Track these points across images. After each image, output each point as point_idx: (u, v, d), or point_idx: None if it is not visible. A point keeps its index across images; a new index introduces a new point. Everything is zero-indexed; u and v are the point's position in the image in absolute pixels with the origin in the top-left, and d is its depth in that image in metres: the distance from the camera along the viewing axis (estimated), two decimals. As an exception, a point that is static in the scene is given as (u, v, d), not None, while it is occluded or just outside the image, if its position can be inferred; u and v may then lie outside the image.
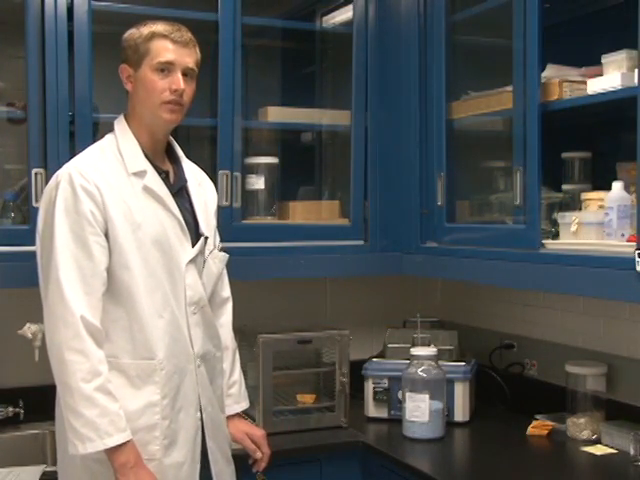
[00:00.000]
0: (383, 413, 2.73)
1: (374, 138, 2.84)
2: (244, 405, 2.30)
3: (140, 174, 1.98)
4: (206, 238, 2.09)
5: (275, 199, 2.82)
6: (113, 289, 1.91)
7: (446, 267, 2.65)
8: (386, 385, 2.71)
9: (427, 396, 2.51)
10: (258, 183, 2.76)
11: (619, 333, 2.53)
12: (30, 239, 2.38)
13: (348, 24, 2.88)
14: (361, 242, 2.84)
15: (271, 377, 2.56)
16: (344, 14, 2.95)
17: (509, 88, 2.39)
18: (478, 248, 2.49)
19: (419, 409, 2.51)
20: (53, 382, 2.69)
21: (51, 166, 2.38)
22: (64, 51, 2.39)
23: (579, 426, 2.49)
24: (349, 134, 2.84)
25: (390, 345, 2.81)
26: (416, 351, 2.58)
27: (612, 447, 2.38)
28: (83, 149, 2.40)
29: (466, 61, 2.75)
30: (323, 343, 2.69)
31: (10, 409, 2.60)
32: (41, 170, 2.39)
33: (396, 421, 2.63)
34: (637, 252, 1.89)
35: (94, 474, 1.90)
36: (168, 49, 1.98)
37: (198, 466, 2.03)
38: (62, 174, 1.93)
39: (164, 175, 2.04)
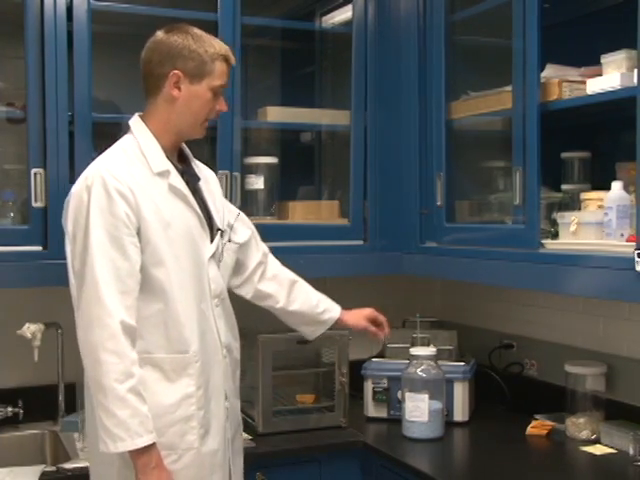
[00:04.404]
0: (382, 413, 2.73)
1: (373, 138, 2.84)
2: (338, 306, 2.41)
3: (164, 174, 2.01)
4: (222, 232, 2.14)
5: (274, 199, 2.82)
6: (146, 287, 1.93)
7: (445, 267, 2.65)
8: (385, 385, 2.71)
9: (426, 396, 2.51)
10: (257, 183, 2.76)
11: (619, 333, 2.53)
12: (29, 239, 2.40)
13: (347, 24, 2.88)
14: (360, 242, 2.84)
15: (270, 377, 2.56)
16: (343, 14, 2.95)
17: (508, 88, 2.39)
18: (477, 248, 2.50)
19: (418, 409, 2.51)
20: (52, 382, 2.70)
21: (50, 166, 2.39)
22: (63, 51, 2.39)
23: (578, 426, 2.49)
24: (348, 134, 2.84)
25: (389, 345, 2.81)
26: (415, 351, 2.58)
27: (611, 447, 2.38)
28: (82, 149, 2.43)
29: (465, 61, 2.75)
30: (322, 343, 2.69)
31: (9, 409, 2.60)
32: (40, 170, 2.39)
33: (396, 421, 2.63)
34: (636, 252, 1.89)
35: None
36: (226, 73, 2.06)
37: (228, 453, 2.10)
38: (92, 176, 1.92)
39: (180, 173, 2.08)
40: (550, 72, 2.31)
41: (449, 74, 2.66)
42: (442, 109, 2.67)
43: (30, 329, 2.50)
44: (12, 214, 2.50)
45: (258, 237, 2.37)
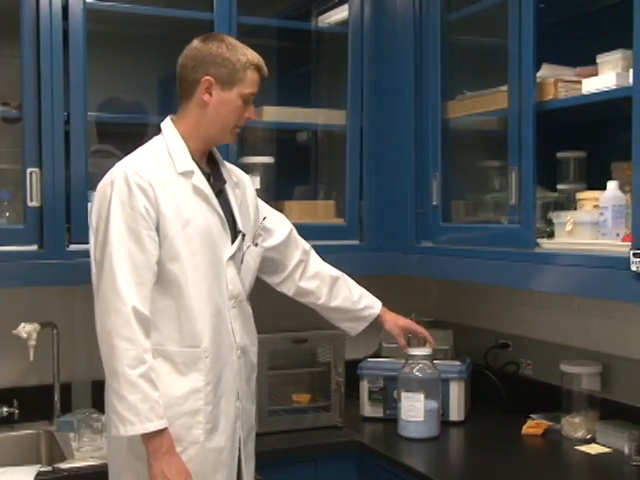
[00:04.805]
0: (379, 413, 2.73)
1: (369, 138, 2.84)
2: (379, 302, 2.46)
3: (188, 174, 2.07)
4: (243, 235, 2.18)
5: (270, 199, 2.81)
6: (162, 280, 2.00)
7: (441, 267, 2.65)
8: (381, 385, 2.71)
9: (422, 396, 2.51)
10: (254, 183, 2.75)
11: (614, 332, 2.53)
12: (25, 239, 2.39)
13: (344, 24, 2.89)
14: (356, 242, 2.84)
15: (266, 377, 2.56)
16: (340, 13, 2.95)
17: (504, 88, 2.39)
18: (473, 248, 2.50)
19: (414, 409, 2.51)
20: (47, 382, 2.69)
21: (46, 165, 2.39)
22: (59, 50, 2.39)
23: (574, 425, 2.49)
24: (345, 134, 2.84)
25: (385, 345, 2.81)
26: (411, 351, 2.58)
27: (607, 446, 2.39)
28: (78, 148, 2.43)
29: (461, 61, 2.75)
30: (318, 342, 2.70)
31: (5, 409, 2.59)
32: (36, 169, 2.38)
33: (392, 421, 2.63)
34: (632, 252, 1.89)
35: (140, 455, 1.97)
36: (257, 82, 2.12)
37: (237, 452, 2.12)
38: (117, 172, 2.00)
39: (207, 176, 2.13)
40: (546, 72, 2.31)
41: (445, 74, 2.66)
42: (438, 109, 2.67)
43: (25, 329, 2.50)
44: (8, 214, 2.49)
45: (297, 236, 2.42)
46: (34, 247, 2.40)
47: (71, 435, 2.49)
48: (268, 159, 2.84)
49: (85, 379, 2.73)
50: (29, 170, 2.38)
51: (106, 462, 2.19)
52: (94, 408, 2.63)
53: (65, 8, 2.40)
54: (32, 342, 2.50)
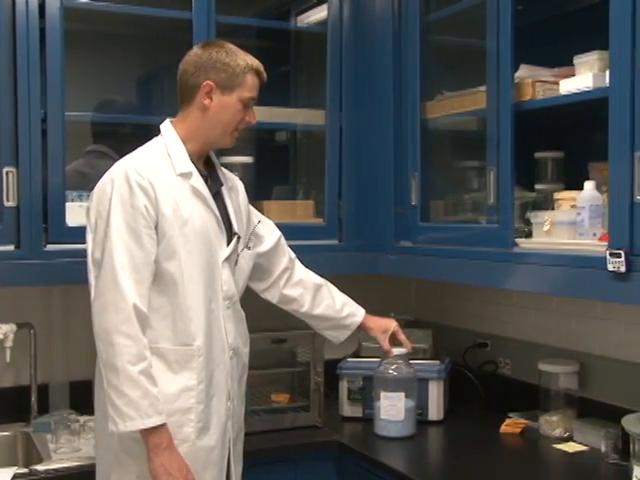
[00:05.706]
0: (358, 412, 2.73)
1: (349, 138, 2.84)
2: (362, 310, 2.47)
3: (186, 175, 2.09)
4: (239, 237, 2.20)
5: (249, 199, 2.80)
6: (158, 279, 2.02)
7: (420, 266, 2.66)
8: (360, 384, 2.72)
9: (402, 394, 2.51)
10: (234, 183, 2.74)
11: (591, 331, 2.55)
12: (1, 239, 2.37)
13: (323, 23, 2.88)
14: (335, 242, 2.84)
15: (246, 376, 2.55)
16: (319, 13, 2.95)
17: (483, 88, 2.40)
18: (452, 247, 2.51)
19: (393, 408, 2.52)
20: (24, 383, 2.67)
21: (22, 165, 2.36)
22: (36, 49, 2.36)
23: (552, 424, 2.51)
24: (324, 134, 2.84)
25: (365, 344, 2.81)
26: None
27: (584, 444, 2.41)
28: (55, 148, 2.41)
29: (440, 61, 2.76)
30: (297, 342, 2.69)
31: (-19, 411, 2.57)
32: (12, 169, 2.36)
33: (371, 420, 2.63)
34: (608, 252, 1.91)
35: (131, 452, 1.99)
36: (257, 86, 2.17)
37: (227, 452, 2.14)
38: (117, 171, 2.02)
39: (204, 178, 2.15)
40: (524, 72, 2.32)
41: (424, 74, 2.67)
42: (417, 109, 2.68)
43: (2, 330, 2.48)
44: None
45: (284, 243, 2.44)
46: (11, 247, 2.38)
47: (48, 436, 2.47)
48: (247, 159, 2.84)
49: (62, 380, 2.71)
50: (5, 170, 2.35)
51: (84, 463, 2.19)
52: (71, 409, 2.62)
53: (42, 6, 2.38)
54: (9, 343, 2.49)
